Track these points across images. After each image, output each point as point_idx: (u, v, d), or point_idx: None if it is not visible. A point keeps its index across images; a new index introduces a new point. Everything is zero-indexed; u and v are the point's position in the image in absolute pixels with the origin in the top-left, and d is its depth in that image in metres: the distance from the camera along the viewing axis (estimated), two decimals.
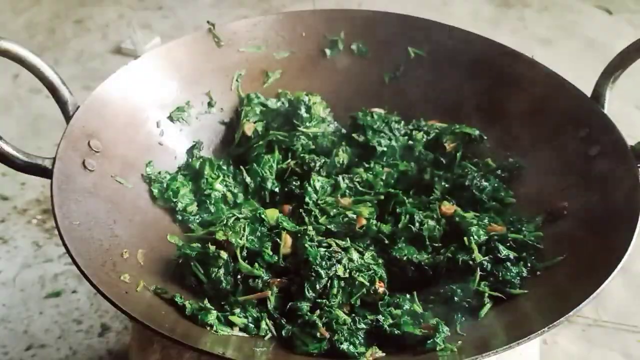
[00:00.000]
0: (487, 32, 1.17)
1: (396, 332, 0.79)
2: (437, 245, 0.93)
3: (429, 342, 0.76)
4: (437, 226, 0.94)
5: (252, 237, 0.89)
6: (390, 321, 0.80)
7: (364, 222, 0.94)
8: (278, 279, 0.85)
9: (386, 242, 0.93)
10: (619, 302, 1.37)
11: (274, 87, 1.17)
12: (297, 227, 0.92)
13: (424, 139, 1.10)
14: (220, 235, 0.87)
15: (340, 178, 1.02)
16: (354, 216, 0.95)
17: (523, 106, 1.07)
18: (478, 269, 0.86)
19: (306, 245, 0.86)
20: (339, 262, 0.84)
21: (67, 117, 0.93)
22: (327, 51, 1.19)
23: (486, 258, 0.87)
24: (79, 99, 0.95)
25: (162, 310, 0.79)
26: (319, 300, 0.82)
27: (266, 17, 1.18)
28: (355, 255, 0.86)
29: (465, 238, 0.90)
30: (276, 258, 0.88)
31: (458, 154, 1.06)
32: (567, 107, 1.02)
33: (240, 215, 0.90)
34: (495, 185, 1.01)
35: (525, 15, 2.50)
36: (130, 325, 1.24)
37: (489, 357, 0.70)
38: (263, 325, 0.81)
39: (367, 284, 0.84)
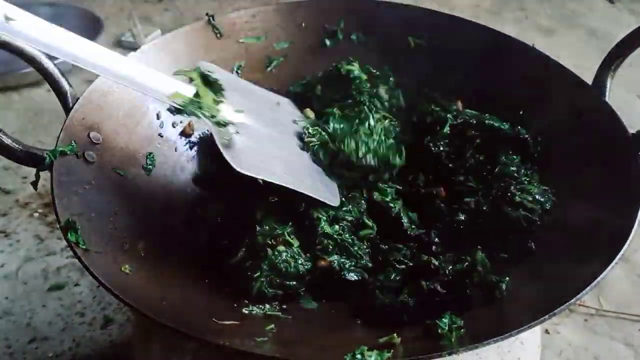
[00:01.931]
0: (488, 22, 1.17)
1: None
2: None
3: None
4: None
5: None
6: None
7: None
8: None
9: None
10: (621, 291, 1.37)
11: (275, 75, 1.17)
12: None
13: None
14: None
15: None
16: None
17: (523, 95, 1.07)
18: None
19: None
20: None
21: (67, 109, 0.93)
22: (327, 41, 1.19)
23: None
24: (80, 92, 0.95)
25: (163, 301, 0.79)
26: None
27: (265, 7, 1.18)
28: None
29: None
30: None
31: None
32: (568, 95, 1.02)
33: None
34: None
35: (526, 5, 2.50)
36: (132, 317, 1.24)
37: (490, 345, 0.70)
38: None
39: None
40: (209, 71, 0.96)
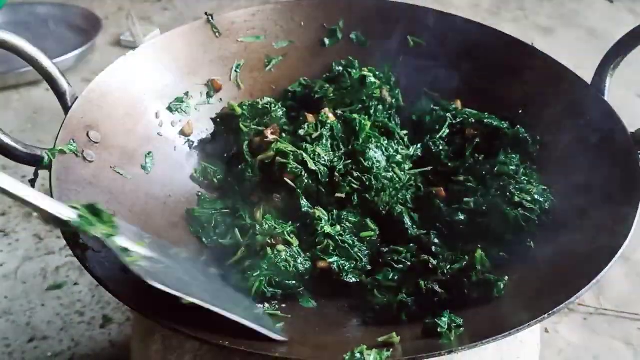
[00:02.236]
0: (487, 22, 1.17)
1: None
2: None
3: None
4: None
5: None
6: None
7: None
8: None
9: None
10: (621, 290, 1.37)
11: (274, 74, 1.16)
12: None
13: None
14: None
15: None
16: None
17: (523, 94, 1.07)
18: None
19: None
20: None
21: (66, 109, 0.93)
22: (326, 40, 1.19)
23: None
24: (79, 91, 0.95)
25: (162, 301, 0.79)
26: None
27: (264, 6, 1.18)
28: None
29: None
30: None
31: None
32: (567, 94, 1.02)
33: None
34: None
35: (525, 5, 2.50)
36: (132, 317, 1.24)
37: (490, 344, 0.70)
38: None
39: None
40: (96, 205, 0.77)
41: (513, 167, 0.98)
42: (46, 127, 1.80)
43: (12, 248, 1.43)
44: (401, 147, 1.03)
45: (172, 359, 0.87)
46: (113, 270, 0.79)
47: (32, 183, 0.88)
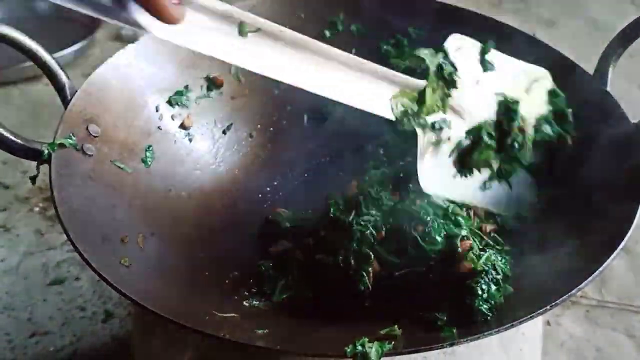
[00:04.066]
0: (488, 13, 1.17)
1: None
2: None
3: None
4: None
5: None
6: None
7: None
8: None
9: None
10: (623, 283, 1.37)
11: None
12: None
13: None
14: None
15: None
16: None
17: None
18: None
19: None
20: None
21: (65, 103, 0.93)
22: (327, 32, 1.18)
23: None
24: (78, 85, 0.94)
25: (163, 294, 0.79)
26: None
27: None
28: None
29: None
30: None
31: None
32: (568, 84, 1.01)
33: None
34: None
35: None
36: (133, 311, 1.24)
37: (492, 336, 0.70)
38: None
39: None
40: (452, 56, 0.90)
41: None
42: (47, 122, 1.79)
43: (13, 243, 1.43)
44: None
45: (174, 352, 0.87)
46: (114, 264, 0.79)
47: (33, 179, 0.88)
